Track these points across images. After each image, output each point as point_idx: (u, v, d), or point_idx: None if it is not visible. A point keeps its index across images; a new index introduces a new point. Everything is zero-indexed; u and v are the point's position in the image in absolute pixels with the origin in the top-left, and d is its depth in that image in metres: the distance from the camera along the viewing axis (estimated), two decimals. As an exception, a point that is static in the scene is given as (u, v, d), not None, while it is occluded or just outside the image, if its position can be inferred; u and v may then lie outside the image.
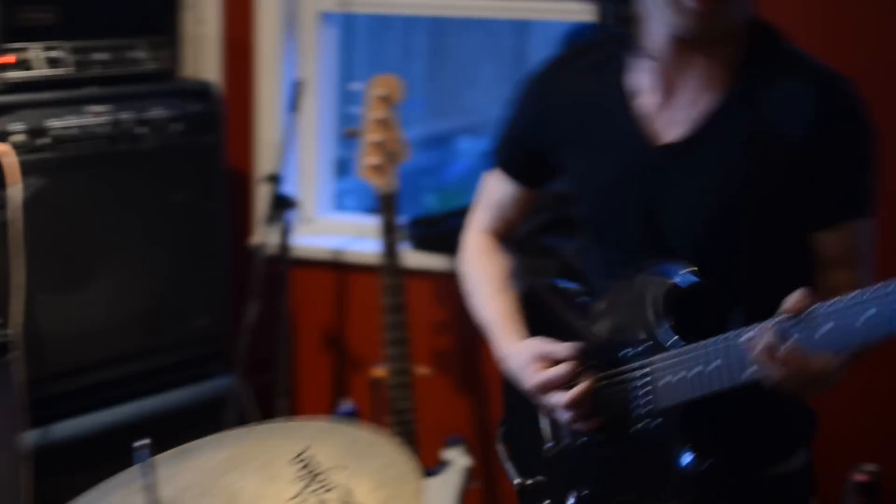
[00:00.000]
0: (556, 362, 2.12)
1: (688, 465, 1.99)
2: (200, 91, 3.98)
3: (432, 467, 3.90)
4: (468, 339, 4.23)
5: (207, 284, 4.05)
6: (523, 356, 2.16)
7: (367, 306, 4.26)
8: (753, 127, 2.02)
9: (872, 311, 1.70)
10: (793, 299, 1.81)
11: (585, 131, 2.18)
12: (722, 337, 1.92)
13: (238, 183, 4.44)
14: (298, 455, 1.87)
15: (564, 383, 2.09)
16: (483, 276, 2.37)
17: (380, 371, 3.94)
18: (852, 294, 1.74)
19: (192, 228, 3.98)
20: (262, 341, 4.21)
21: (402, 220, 4.20)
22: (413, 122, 6.48)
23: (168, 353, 3.97)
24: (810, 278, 2.14)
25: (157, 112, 3.81)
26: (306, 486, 1.81)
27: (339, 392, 4.45)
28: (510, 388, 2.33)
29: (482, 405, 4.26)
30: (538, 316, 2.28)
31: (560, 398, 2.09)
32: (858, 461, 3.85)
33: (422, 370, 3.96)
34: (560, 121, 2.21)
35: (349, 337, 4.46)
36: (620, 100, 2.14)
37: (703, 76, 2.07)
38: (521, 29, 5.76)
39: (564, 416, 2.11)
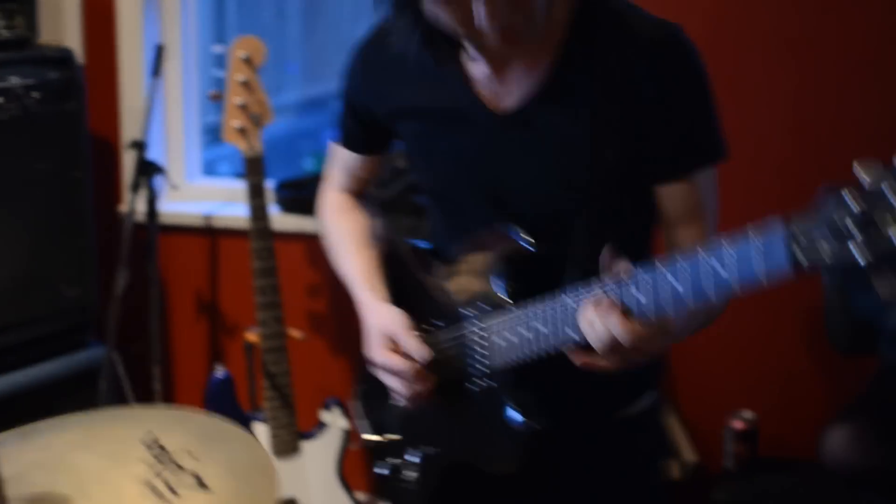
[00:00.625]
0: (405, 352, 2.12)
1: (519, 425, 2.01)
2: (59, 58, 3.91)
3: (310, 430, 3.89)
4: (342, 300, 4.19)
5: (75, 254, 4.00)
6: (378, 327, 2.15)
7: (239, 271, 4.23)
8: (589, 88, 2.00)
9: (680, 287, 1.71)
10: (611, 265, 1.81)
11: (420, 100, 2.15)
12: (551, 300, 1.92)
13: (105, 150, 4.38)
14: (146, 440, 1.84)
15: (404, 378, 2.11)
16: (343, 232, 2.37)
17: (253, 335, 3.91)
18: (665, 263, 1.74)
19: (58, 197, 3.93)
20: (134, 310, 4.17)
21: (271, 183, 4.18)
22: (289, 86, 6.45)
23: (37, 325, 3.92)
24: (650, 240, 2.15)
25: (14, 80, 3.74)
26: (155, 470, 1.78)
27: (215, 358, 4.43)
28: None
29: (359, 366, 4.25)
30: (396, 274, 2.28)
31: (401, 389, 2.12)
32: (736, 409, 3.91)
33: (295, 333, 3.94)
34: (393, 90, 2.18)
35: (223, 302, 4.43)
36: (454, 70, 2.10)
37: (533, 48, 2.04)
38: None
39: (399, 397, 2.13)
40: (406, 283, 2.26)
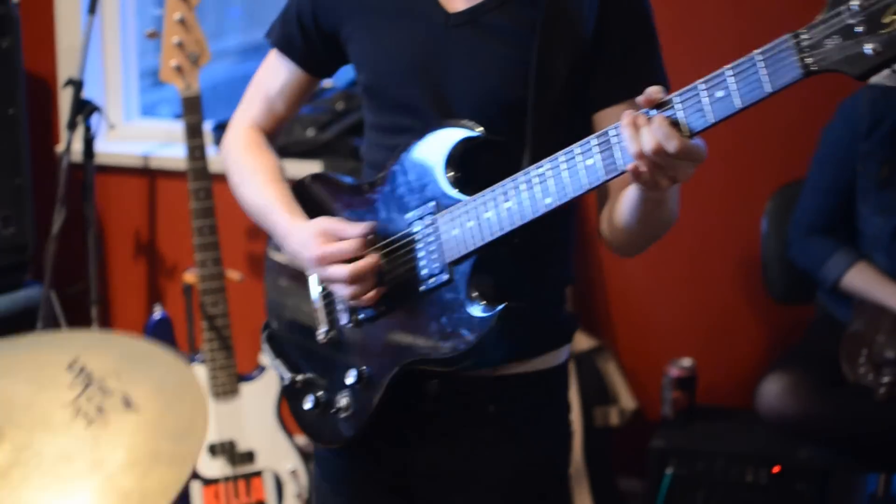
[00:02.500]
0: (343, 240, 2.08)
1: (481, 313, 1.99)
2: (-7, -6, 3.86)
3: (249, 373, 3.88)
4: (282, 242, 4.21)
5: (11, 193, 3.96)
6: (310, 230, 2.10)
7: (178, 212, 4.20)
8: (541, 5, 2.03)
9: (720, 93, 1.75)
10: (647, 92, 1.83)
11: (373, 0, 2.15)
12: (511, 178, 1.94)
13: (41, 89, 4.33)
14: (71, 364, 1.81)
15: (348, 259, 2.05)
16: (257, 165, 2.29)
17: (191, 276, 3.89)
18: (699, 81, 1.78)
19: (-7, 135, 3.89)
20: (72, 250, 4.13)
21: (210, 124, 4.14)
22: (231, 31, 6.39)
23: (-26, 264, 3.89)
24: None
25: (-54, 15, 3.69)
26: (82, 392, 1.76)
27: (154, 298, 4.40)
28: (273, 289, 2.33)
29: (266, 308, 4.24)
30: (308, 207, 2.22)
31: (341, 271, 2.05)
32: (675, 356, 3.93)
33: (233, 274, 3.92)
34: None
35: (161, 243, 4.40)
36: None
37: None
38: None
39: (344, 290, 2.08)
40: (327, 210, 2.20)
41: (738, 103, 1.73)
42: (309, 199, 2.24)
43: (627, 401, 4.10)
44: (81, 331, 1.94)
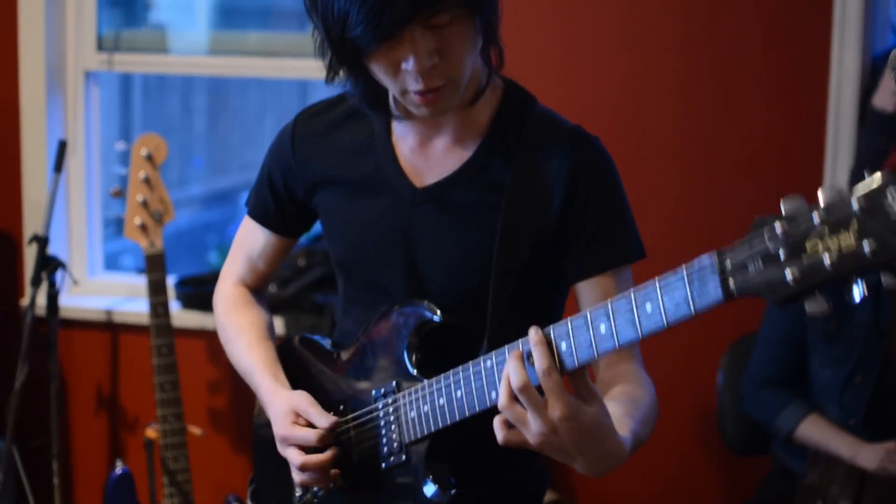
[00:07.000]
0: (311, 424, 2.12)
1: (432, 496, 2.01)
2: (-38, 152, 3.91)
3: (209, 527, 3.89)
4: (243, 397, 4.22)
5: (-26, 348, 3.97)
6: (284, 405, 2.15)
7: (140, 366, 4.22)
8: (507, 175, 2.07)
9: (603, 326, 1.72)
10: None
11: (344, 170, 2.19)
12: (463, 367, 1.93)
13: (6, 244, 4.37)
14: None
15: (308, 448, 2.10)
16: (243, 324, 2.35)
17: (153, 432, 3.90)
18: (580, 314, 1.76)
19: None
20: (34, 404, 4.14)
21: (173, 279, 4.19)
22: (195, 180, 6.47)
23: (-67, 419, 3.88)
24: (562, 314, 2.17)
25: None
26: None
27: (115, 453, 4.40)
28: (259, 446, 2.35)
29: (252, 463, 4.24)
30: (295, 366, 2.28)
31: (297, 458, 2.10)
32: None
33: (195, 430, 3.93)
34: (320, 160, 2.21)
35: (123, 398, 4.41)
36: (380, 143, 2.17)
37: (456, 131, 2.12)
38: (302, 85, 5.76)
39: (296, 475, 2.13)
40: (307, 374, 2.26)
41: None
42: (294, 358, 2.30)
43: (587, 552, 4.11)
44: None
